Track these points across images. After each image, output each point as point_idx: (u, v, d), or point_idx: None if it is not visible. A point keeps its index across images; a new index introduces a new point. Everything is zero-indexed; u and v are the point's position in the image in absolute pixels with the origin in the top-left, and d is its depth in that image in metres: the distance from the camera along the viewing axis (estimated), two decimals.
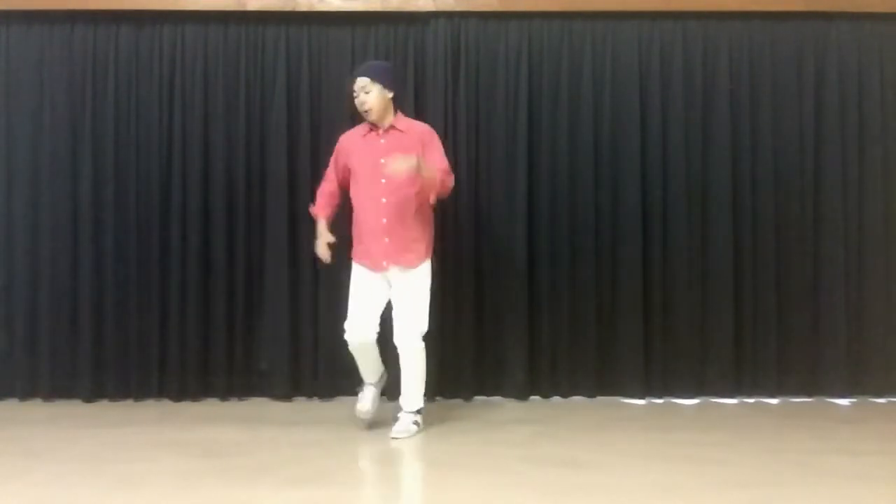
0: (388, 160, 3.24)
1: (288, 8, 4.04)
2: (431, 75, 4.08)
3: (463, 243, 4.05)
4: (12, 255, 4.04)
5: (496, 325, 4.05)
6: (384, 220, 3.31)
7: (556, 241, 4.08)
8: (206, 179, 4.06)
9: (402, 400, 3.41)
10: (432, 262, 3.43)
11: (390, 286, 3.36)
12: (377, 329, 3.36)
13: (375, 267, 3.34)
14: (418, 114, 4.08)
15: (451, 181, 3.40)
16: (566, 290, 4.06)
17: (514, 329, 4.03)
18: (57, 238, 4.03)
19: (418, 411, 3.41)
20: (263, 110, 4.09)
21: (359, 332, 3.34)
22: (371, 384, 3.50)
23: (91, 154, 4.04)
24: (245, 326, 4.04)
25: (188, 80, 4.08)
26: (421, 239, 3.36)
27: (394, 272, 3.33)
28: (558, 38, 4.13)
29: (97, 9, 4.04)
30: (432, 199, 3.37)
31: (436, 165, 3.30)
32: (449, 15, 4.10)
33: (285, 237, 4.02)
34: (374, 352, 3.41)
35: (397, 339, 3.34)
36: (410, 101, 4.07)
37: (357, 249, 3.41)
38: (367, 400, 3.45)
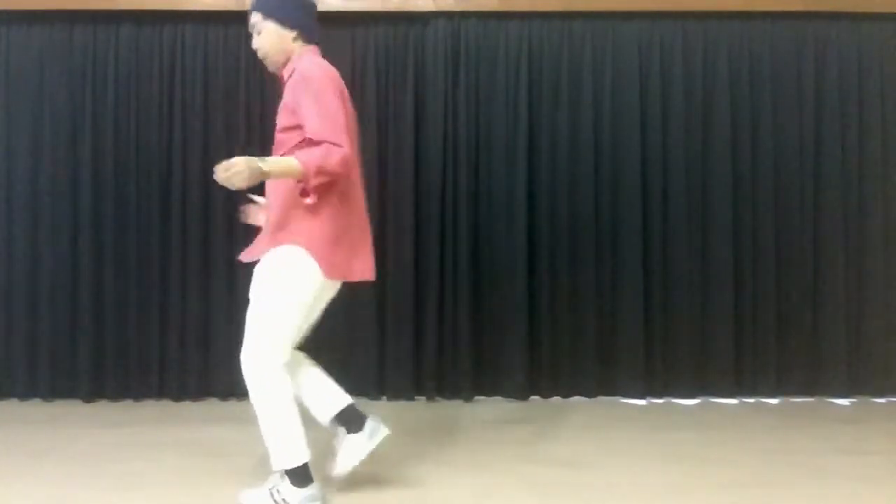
0: (278, 120, 2.46)
1: None
2: (431, 75, 4.08)
3: (462, 243, 4.05)
4: (12, 255, 4.04)
5: (496, 326, 4.05)
6: (265, 198, 2.57)
7: (557, 241, 4.08)
8: (206, 179, 4.05)
9: None
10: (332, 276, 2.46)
11: None
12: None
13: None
14: (418, 114, 4.09)
15: (327, 157, 2.26)
16: (566, 290, 4.06)
17: (514, 329, 4.03)
18: (57, 238, 4.03)
19: (286, 474, 2.42)
20: (263, 110, 4.09)
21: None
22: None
23: (91, 154, 4.04)
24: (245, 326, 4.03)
25: (188, 80, 4.08)
26: (283, 227, 2.40)
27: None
28: (558, 38, 4.13)
29: (97, 9, 4.04)
30: (311, 184, 2.30)
31: (307, 125, 2.32)
32: (449, 15, 4.10)
33: None
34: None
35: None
36: (410, 102, 4.08)
37: None
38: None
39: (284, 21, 2.46)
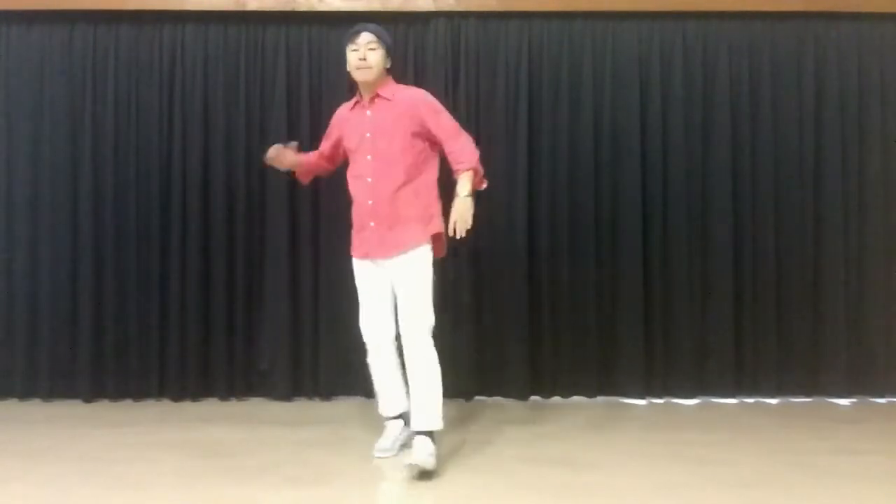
0: (373, 134, 2.96)
1: (288, 8, 4.04)
2: (431, 75, 4.08)
3: (462, 243, 4.04)
4: (12, 255, 4.03)
5: (496, 325, 4.05)
6: (370, 203, 2.96)
7: (557, 240, 4.08)
8: (205, 179, 4.05)
9: (413, 416, 2.89)
10: (447, 248, 3.09)
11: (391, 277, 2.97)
12: (392, 331, 2.99)
13: (367, 256, 3.00)
14: None
15: (474, 154, 2.91)
16: (566, 290, 4.06)
17: (515, 329, 4.03)
18: (57, 238, 4.03)
19: (431, 435, 2.86)
20: (263, 110, 4.09)
21: (370, 335, 3.02)
22: (391, 417, 3.13)
23: (91, 154, 4.04)
24: (245, 326, 4.04)
25: (188, 80, 4.08)
26: (417, 220, 2.92)
27: (389, 261, 2.94)
28: (558, 38, 4.13)
29: (97, 9, 4.04)
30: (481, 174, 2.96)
31: (446, 135, 2.93)
32: (449, 15, 4.10)
33: (285, 237, 4.02)
34: (391, 364, 3.04)
35: (403, 338, 2.92)
36: None
37: (353, 241, 3.07)
38: (387, 437, 3.10)
39: (389, 52, 3.06)
